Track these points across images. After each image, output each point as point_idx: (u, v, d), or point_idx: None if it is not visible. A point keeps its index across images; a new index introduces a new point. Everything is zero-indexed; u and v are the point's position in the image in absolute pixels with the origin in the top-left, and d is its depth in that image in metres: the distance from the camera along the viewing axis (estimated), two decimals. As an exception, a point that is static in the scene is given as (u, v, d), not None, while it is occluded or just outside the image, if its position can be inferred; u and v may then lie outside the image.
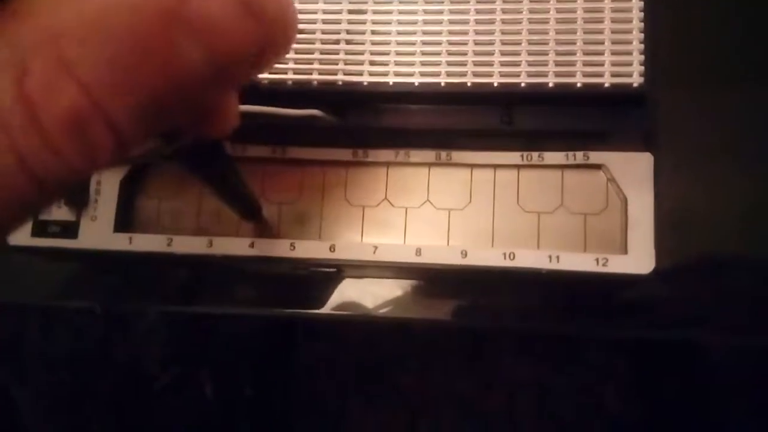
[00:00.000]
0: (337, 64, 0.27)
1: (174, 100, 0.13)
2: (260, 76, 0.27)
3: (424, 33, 0.27)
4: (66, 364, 0.73)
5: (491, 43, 0.26)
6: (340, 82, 0.27)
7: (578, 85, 0.26)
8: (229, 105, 0.17)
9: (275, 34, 0.14)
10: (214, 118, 0.17)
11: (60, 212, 0.28)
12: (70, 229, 0.28)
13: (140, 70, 0.12)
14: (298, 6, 0.27)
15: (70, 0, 0.12)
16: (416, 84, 0.27)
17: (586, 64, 0.26)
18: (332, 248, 0.27)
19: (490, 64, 0.26)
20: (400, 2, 0.27)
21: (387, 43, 0.27)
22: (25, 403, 0.72)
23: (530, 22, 0.26)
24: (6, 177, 0.12)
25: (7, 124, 0.11)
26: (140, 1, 0.12)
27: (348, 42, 0.27)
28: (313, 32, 0.27)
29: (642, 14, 0.26)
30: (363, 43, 0.27)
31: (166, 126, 0.14)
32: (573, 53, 0.26)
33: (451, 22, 0.27)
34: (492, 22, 0.26)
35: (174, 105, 0.13)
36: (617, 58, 0.26)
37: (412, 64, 0.27)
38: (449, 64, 0.26)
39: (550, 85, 0.26)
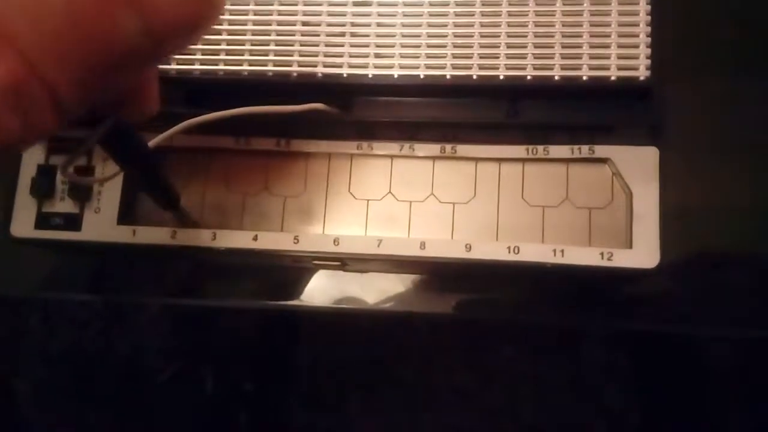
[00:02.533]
0: (342, 56, 0.27)
1: (113, 70, 0.13)
2: (265, 67, 0.27)
3: (430, 25, 0.27)
4: (66, 357, 0.73)
5: (497, 35, 0.26)
6: (345, 75, 0.27)
7: (584, 78, 0.26)
8: (152, 87, 0.18)
9: (207, 10, 0.14)
10: (138, 99, 0.18)
11: (63, 204, 0.28)
12: (73, 221, 0.28)
13: (79, 40, 0.12)
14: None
15: None
16: (421, 76, 0.26)
17: (592, 57, 0.26)
18: (336, 241, 0.27)
19: (495, 56, 0.26)
20: (406, -6, 0.27)
21: (392, 36, 0.27)
22: (24, 396, 0.72)
23: (536, 15, 0.26)
24: None
25: None
26: None
27: (353, 34, 0.27)
28: (318, 24, 0.27)
29: (649, 7, 0.26)
30: (368, 36, 0.27)
31: (104, 96, 0.14)
32: (579, 46, 0.26)
33: (457, 14, 0.26)
34: (498, 14, 0.26)
35: (113, 75, 0.14)
36: (624, 51, 0.26)
37: (417, 56, 0.26)
38: (455, 56, 0.26)
39: (556, 78, 0.26)
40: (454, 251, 0.27)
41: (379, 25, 0.27)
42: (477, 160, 0.28)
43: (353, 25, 0.27)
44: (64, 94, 0.13)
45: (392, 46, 0.27)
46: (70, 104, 0.13)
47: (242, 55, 0.27)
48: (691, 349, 0.57)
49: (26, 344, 0.73)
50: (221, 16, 0.27)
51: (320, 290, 0.30)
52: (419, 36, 0.27)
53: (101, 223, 0.28)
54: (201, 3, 0.14)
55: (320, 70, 0.27)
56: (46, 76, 0.12)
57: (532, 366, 0.69)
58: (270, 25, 0.27)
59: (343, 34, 0.27)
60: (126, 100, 0.17)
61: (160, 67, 0.25)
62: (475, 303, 0.29)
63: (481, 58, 0.26)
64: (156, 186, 0.26)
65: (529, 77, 0.26)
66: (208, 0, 0.15)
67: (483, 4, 0.26)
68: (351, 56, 0.27)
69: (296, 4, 0.27)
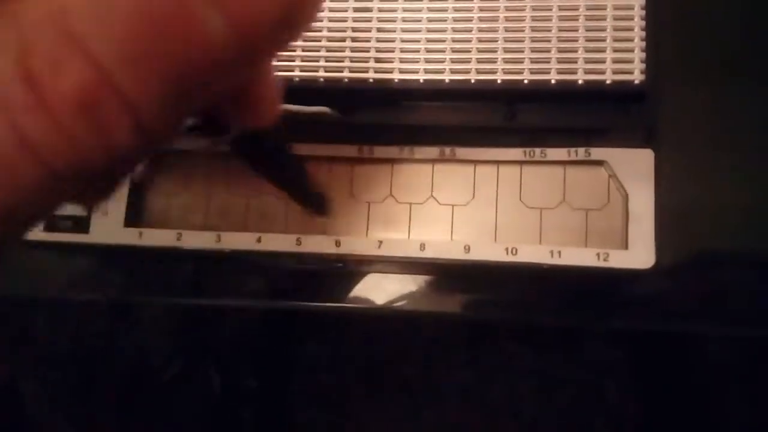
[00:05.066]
0: (342, 61, 0.27)
1: (198, 76, 0.11)
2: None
3: (429, 30, 0.27)
4: (72, 356, 0.74)
5: (494, 40, 0.27)
6: (346, 80, 0.27)
7: (580, 81, 0.26)
8: (266, 88, 0.16)
9: (299, 1, 0.12)
10: (253, 104, 0.16)
11: (72, 207, 0.29)
12: (81, 224, 0.29)
13: (157, 42, 0.11)
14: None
15: None
16: (421, 81, 0.27)
17: (587, 61, 0.26)
18: (338, 243, 0.28)
19: (493, 61, 0.27)
20: (405, 0, 0.27)
21: (392, 41, 0.27)
22: (32, 395, 0.73)
23: (533, 20, 0.27)
24: (11, 165, 0.11)
25: (8, 105, 0.10)
26: None
27: (354, 39, 0.27)
28: (319, 30, 0.27)
29: (643, 11, 0.26)
30: (368, 41, 0.27)
31: (192, 108, 0.13)
32: (575, 50, 0.26)
33: (455, 19, 0.27)
34: (495, 19, 0.27)
35: (198, 82, 0.12)
36: (619, 55, 0.26)
37: (416, 61, 0.27)
38: (453, 61, 0.27)
39: (553, 81, 0.26)
40: (454, 252, 0.27)
41: (379, 30, 0.27)
42: (475, 162, 0.28)
43: (354, 30, 0.27)
44: (142, 103, 0.11)
45: (392, 51, 0.27)
46: (150, 120, 0.11)
47: (245, 60, 0.27)
48: (686, 349, 0.57)
49: (33, 344, 0.74)
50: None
51: (322, 291, 0.30)
52: (419, 41, 0.27)
53: (109, 226, 0.29)
54: None
55: (321, 74, 0.27)
56: (119, 82, 0.11)
57: (531, 364, 0.69)
58: (272, 31, 0.28)
59: (343, 40, 0.27)
60: (242, 104, 0.15)
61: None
62: (474, 303, 0.30)
63: (478, 62, 0.27)
64: (301, 191, 0.25)
65: (526, 81, 0.26)
66: None
67: (480, 10, 0.27)
68: (351, 61, 0.27)
69: (298, 11, 0.28)
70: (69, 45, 0.10)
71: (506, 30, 0.27)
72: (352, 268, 0.30)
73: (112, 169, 0.12)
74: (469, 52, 0.27)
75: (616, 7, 0.26)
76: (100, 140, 0.11)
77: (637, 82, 0.26)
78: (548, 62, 0.26)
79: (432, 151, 0.29)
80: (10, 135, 0.10)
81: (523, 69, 0.26)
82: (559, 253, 0.27)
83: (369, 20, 0.27)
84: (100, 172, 0.12)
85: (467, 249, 0.27)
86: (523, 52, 0.26)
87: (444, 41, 0.27)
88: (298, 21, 0.12)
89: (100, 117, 0.11)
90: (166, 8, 0.10)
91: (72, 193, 0.12)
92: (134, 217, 0.29)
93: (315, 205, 0.26)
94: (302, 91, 0.27)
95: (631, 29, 0.26)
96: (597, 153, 0.27)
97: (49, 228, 0.29)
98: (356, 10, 0.27)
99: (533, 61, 0.26)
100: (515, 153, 0.28)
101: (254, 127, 0.17)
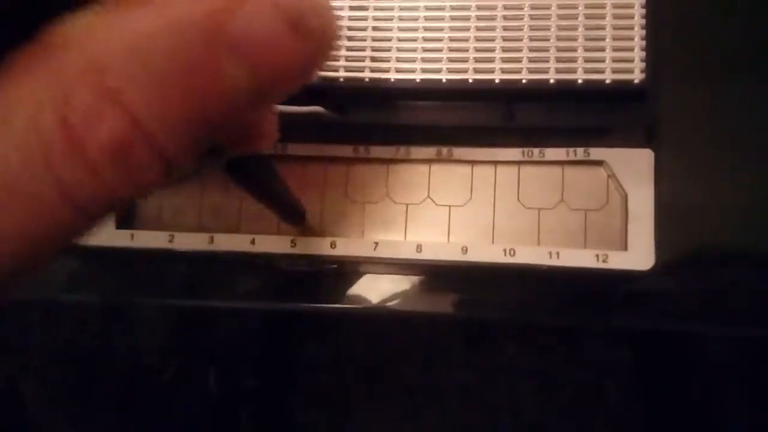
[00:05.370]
0: (338, 60, 0.27)
1: (219, 121, 0.12)
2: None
3: (426, 29, 0.27)
4: (70, 357, 0.74)
5: (492, 39, 0.26)
6: (342, 79, 0.27)
7: (579, 81, 0.26)
8: (269, 120, 0.17)
9: (318, 49, 0.13)
10: (255, 135, 0.17)
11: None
12: (73, 226, 0.28)
13: (186, 93, 0.12)
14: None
15: (109, 28, 0.11)
16: (417, 80, 0.27)
17: (587, 60, 0.26)
18: (333, 245, 0.28)
19: (491, 60, 0.26)
20: (401, -2, 0.27)
21: (388, 39, 0.27)
22: (28, 396, 0.73)
23: (531, 18, 0.26)
24: (46, 205, 0.11)
25: (47, 153, 0.11)
26: (182, 24, 0.11)
27: (349, 38, 0.27)
28: (313, 29, 0.27)
29: (643, 10, 0.26)
30: (364, 40, 0.27)
31: (209, 146, 0.14)
32: (574, 49, 0.26)
33: (453, 18, 0.27)
34: (493, 18, 0.26)
35: (219, 125, 0.13)
36: (618, 54, 0.26)
37: (413, 60, 0.27)
38: (450, 60, 0.26)
39: (551, 81, 0.26)
40: (451, 254, 0.27)
41: (375, 29, 0.27)
42: (473, 163, 0.28)
43: (349, 29, 0.27)
44: (171, 148, 0.12)
45: (388, 50, 0.27)
46: (176, 160, 0.12)
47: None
48: (686, 349, 0.57)
49: (29, 346, 0.74)
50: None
51: (317, 292, 0.30)
52: (415, 40, 0.27)
53: (100, 228, 0.28)
54: (311, 48, 0.13)
55: (317, 73, 0.27)
56: (151, 131, 0.11)
57: (532, 364, 0.69)
58: (266, 30, 0.27)
59: (339, 38, 0.27)
60: (245, 134, 0.16)
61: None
62: (471, 305, 0.30)
63: (476, 61, 0.26)
64: (284, 205, 0.25)
65: (524, 80, 0.26)
66: (319, 42, 0.13)
67: (478, 8, 0.27)
68: (347, 60, 0.27)
69: (292, 9, 0.27)
70: (105, 98, 0.11)
71: (504, 29, 0.26)
72: (348, 270, 0.29)
73: (134, 199, 0.13)
74: (467, 51, 0.26)
75: (615, 6, 0.26)
76: (131, 182, 0.12)
77: (636, 81, 0.26)
78: (547, 61, 0.26)
79: (429, 152, 0.28)
80: (48, 178, 0.11)
81: (522, 68, 0.26)
82: (558, 254, 0.26)
83: (365, 18, 0.27)
84: (124, 203, 0.13)
85: (464, 250, 0.27)
86: (521, 51, 0.26)
87: (441, 40, 0.27)
88: (315, 69, 0.14)
89: (132, 162, 0.12)
90: (195, 64, 0.11)
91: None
92: (126, 218, 0.29)
93: (293, 217, 0.26)
94: (297, 90, 0.27)
95: (630, 28, 0.26)
96: (596, 153, 0.27)
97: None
98: (352, 8, 0.27)
99: (532, 60, 0.26)
100: (513, 153, 0.28)
101: (250, 151, 0.18)
